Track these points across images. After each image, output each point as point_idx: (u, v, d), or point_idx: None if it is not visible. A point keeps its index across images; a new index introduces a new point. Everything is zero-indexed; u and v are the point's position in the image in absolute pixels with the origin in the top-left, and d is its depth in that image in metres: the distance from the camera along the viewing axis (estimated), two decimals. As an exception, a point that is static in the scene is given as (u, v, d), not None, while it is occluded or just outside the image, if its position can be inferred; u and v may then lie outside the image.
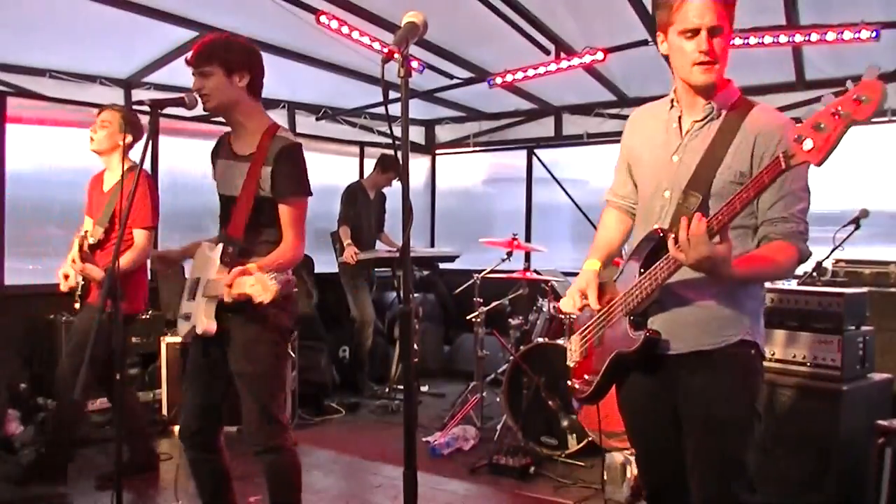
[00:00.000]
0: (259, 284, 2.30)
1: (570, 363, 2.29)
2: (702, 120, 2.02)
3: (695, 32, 1.92)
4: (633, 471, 3.57)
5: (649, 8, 4.28)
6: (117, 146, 3.63)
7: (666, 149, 2.07)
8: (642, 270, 1.99)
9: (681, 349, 2.00)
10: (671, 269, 1.88)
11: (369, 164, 6.91)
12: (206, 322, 2.54)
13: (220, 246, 2.58)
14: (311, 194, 2.66)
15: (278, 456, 2.65)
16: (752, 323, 2.03)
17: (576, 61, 5.08)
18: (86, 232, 3.61)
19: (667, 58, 2.05)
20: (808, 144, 1.54)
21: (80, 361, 3.44)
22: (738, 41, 4.38)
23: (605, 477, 3.68)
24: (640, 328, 1.99)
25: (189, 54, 2.57)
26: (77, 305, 3.64)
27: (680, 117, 2.06)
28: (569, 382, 2.29)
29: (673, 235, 1.80)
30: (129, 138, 3.65)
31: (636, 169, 2.21)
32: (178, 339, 4.59)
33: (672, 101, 2.09)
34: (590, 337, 2.20)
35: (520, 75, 5.49)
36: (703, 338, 1.99)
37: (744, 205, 1.71)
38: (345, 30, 4.55)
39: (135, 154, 3.74)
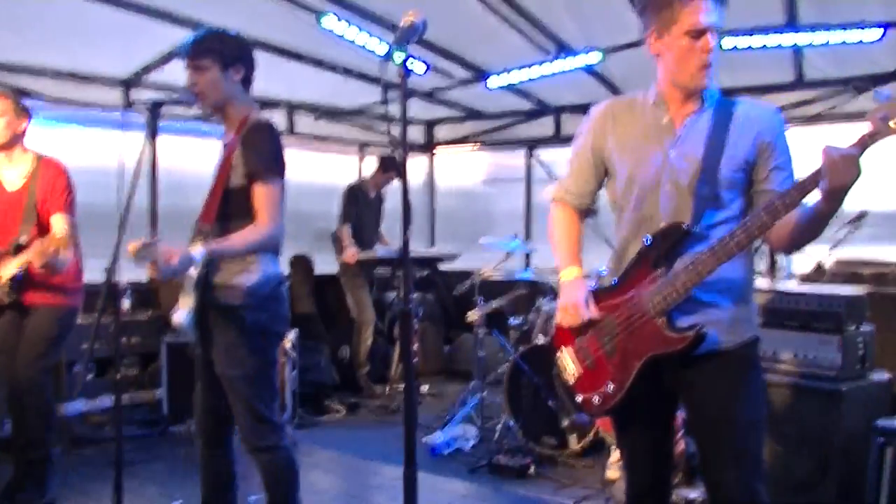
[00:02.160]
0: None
1: (571, 379, 2.18)
2: (693, 113, 2.02)
3: (702, 33, 1.90)
4: None
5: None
6: (17, 135, 3.35)
7: (660, 144, 2.04)
8: (663, 269, 1.96)
9: (701, 348, 1.96)
10: (720, 259, 1.86)
11: (369, 164, 6.91)
12: (177, 314, 2.48)
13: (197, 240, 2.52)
14: (283, 175, 2.55)
15: (272, 455, 2.64)
16: (756, 321, 2.09)
17: (575, 61, 5.08)
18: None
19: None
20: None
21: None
22: (738, 41, 4.39)
23: (616, 475, 3.68)
24: (674, 326, 1.96)
25: (183, 47, 2.54)
26: None
27: (671, 114, 2.05)
28: (577, 398, 2.17)
29: (829, 158, 1.73)
30: (26, 123, 3.38)
31: (616, 165, 2.12)
32: (178, 339, 4.59)
33: (658, 95, 2.07)
34: (595, 347, 2.11)
35: (518, 76, 5.49)
36: (722, 335, 1.98)
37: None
38: (346, 30, 4.55)
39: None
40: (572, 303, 2.09)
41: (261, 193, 2.47)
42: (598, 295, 2.11)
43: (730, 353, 2.00)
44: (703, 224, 1.97)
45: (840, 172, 1.72)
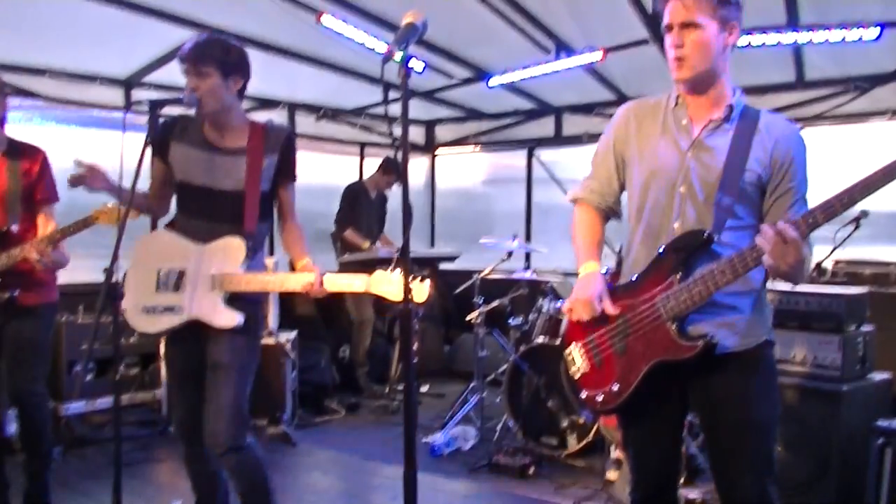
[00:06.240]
0: (395, 284, 2.57)
1: (577, 374, 2.19)
2: (718, 120, 2.02)
3: (669, 28, 1.99)
4: None
5: (649, 8, 4.29)
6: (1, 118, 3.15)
7: (677, 145, 2.05)
8: (680, 274, 1.96)
9: (717, 351, 1.97)
10: (737, 273, 1.87)
11: (369, 164, 6.91)
12: (231, 316, 2.53)
13: (238, 240, 2.56)
14: None
15: (246, 454, 2.58)
16: (770, 323, 2.10)
17: (576, 61, 5.08)
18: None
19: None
20: None
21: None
22: (739, 40, 4.39)
23: (619, 476, 3.68)
24: (685, 334, 1.97)
25: (183, 50, 2.54)
26: None
27: (690, 115, 2.06)
28: (582, 395, 2.17)
29: (764, 243, 1.78)
30: (7, 104, 3.17)
31: (635, 167, 2.13)
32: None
33: (678, 98, 2.08)
34: (605, 346, 2.10)
35: (518, 75, 5.50)
36: (738, 338, 2.00)
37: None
38: (346, 30, 4.55)
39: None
40: (586, 296, 2.08)
41: (293, 195, 2.75)
42: (615, 293, 2.10)
43: (745, 354, 2.00)
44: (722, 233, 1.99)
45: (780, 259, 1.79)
